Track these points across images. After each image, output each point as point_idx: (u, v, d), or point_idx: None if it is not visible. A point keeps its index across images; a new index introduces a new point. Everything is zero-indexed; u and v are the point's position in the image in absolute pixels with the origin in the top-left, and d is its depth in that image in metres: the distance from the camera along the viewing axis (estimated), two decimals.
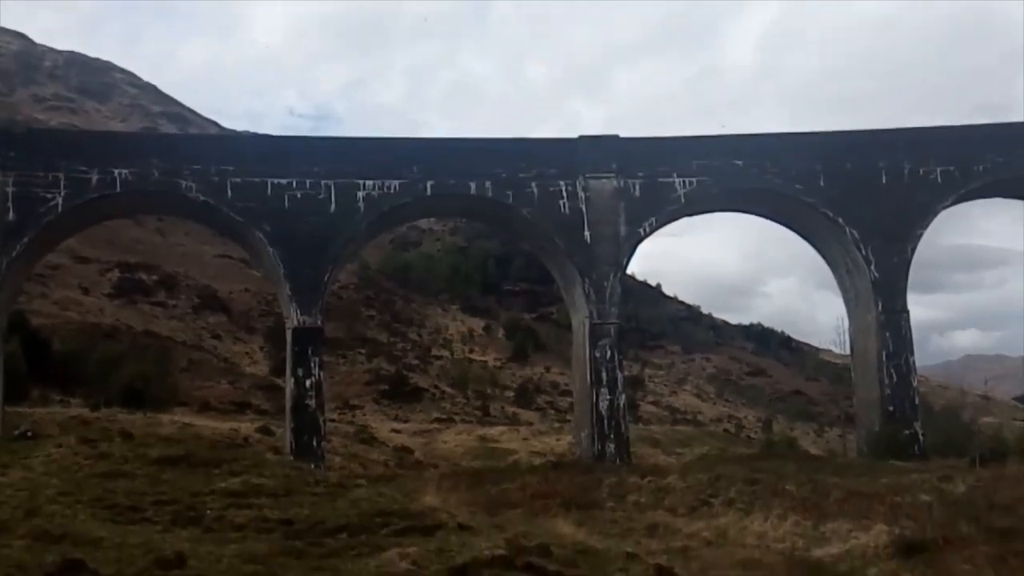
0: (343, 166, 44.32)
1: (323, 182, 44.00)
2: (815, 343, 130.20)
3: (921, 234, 46.00)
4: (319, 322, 43.41)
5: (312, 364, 42.66)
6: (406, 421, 75.00)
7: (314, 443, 41.59)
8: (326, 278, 43.87)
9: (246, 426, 54.49)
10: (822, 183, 45.93)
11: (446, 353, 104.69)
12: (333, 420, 60.37)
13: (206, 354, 79.98)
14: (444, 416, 78.98)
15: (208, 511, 19.40)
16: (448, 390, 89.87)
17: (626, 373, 48.64)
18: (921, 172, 46.07)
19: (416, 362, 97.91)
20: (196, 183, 43.20)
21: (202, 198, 43.30)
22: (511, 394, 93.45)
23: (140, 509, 19.38)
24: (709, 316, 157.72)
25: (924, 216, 45.98)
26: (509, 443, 65.23)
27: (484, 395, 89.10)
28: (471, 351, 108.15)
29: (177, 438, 32.10)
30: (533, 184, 45.03)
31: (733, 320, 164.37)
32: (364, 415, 75.45)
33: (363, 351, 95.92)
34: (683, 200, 45.55)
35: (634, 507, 31.51)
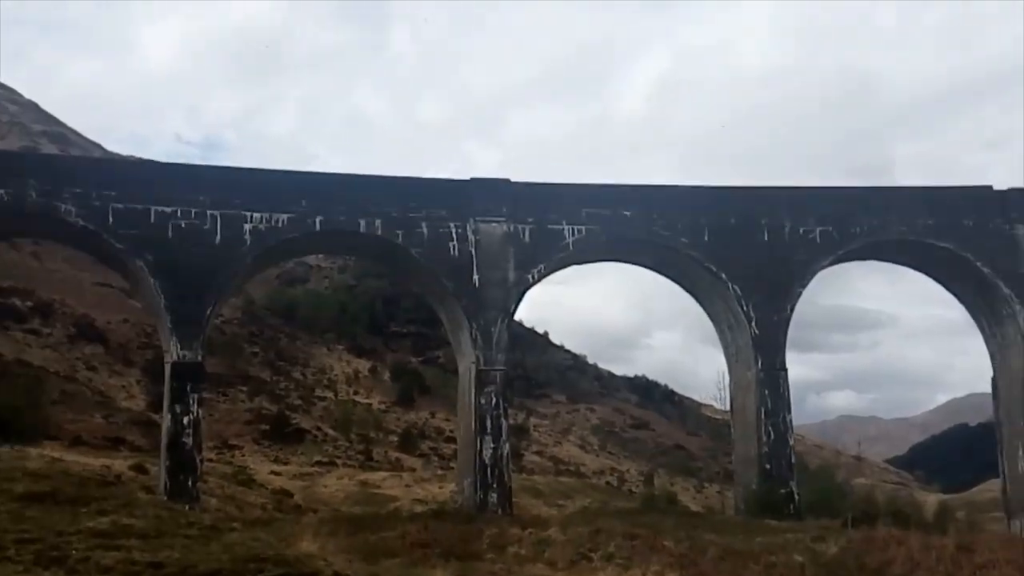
0: (230, 197, 43.35)
1: (209, 212, 42.95)
2: (697, 397, 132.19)
3: (800, 293, 46.92)
4: (200, 357, 42.14)
5: (191, 400, 41.30)
6: (287, 463, 73.35)
7: (189, 483, 40.15)
8: (209, 312, 42.69)
9: (119, 463, 52.42)
10: (707, 237, 46.59)
11: (330, 394, 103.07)
12: (211, 460, 58.65)
13: (80, 386, 77.10)
14: (326, 459, 77.49)
15: (73, 551, 18.54)
16: (331, 432, 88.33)
17: (511, 421, 48.44)
18: (801, 231, 47.11)
19: (299, 402, 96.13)
20: (76, 207, 41.71)
21: (82, 223, 41.82)
22: (395, 439, 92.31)
23: (1, 548, 18.37)
24: (595, 366, 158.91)
25: (803, 275, 46.93)
26: (391, 489, 64.28)
27: (368, 439, 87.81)
28: (356, 393, 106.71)
29: (44, 473, 30.77)
30: (423, 224, 44.71)
31: (618, 371, 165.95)
32: (243, 455, 73.56)
33: (245, 389, 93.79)
34: (571, 248, 45.71)
35: (514, 559, 31.21)
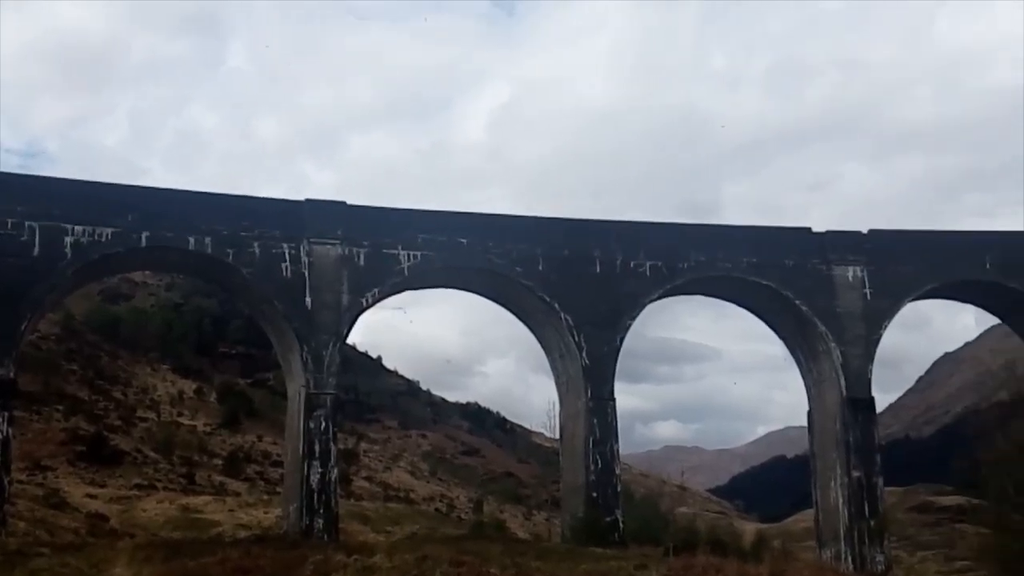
0: (50, 208, 41.51)
1: (27, 223, 41.02)
2: (528, 425, 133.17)
3: (630, 324, 47.93)
4: (11, 374, 40.07)
5: (0, 419, 39.26)
6: (103, 486, 70.45)
7: None
8: (23, 327, 40.72)
9: None
10: (541, 267, 47.14)
11: (152, 415, 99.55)
12: (20, 481, 55.84)
13: None
14: (146, 482, 74.79)
15: None
16: (152, 454, 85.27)
17: (341, 446, 47.74)
18: (632, 264, 48.17)
19: (119, 423, 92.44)
20: None
21: None
22: (220, 462, 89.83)
23: None
24: (428, 392, 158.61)
25: (633, 307, 47.96)
26: (214, 514, 62.54)
27: (191, 462, 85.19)
28: (180, 414, 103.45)
29: None
30: (255, 244, 43.83)
31: (451, 398, 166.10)
32: (57, 477, 70.21)
33: (60, 408, 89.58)
34: (407, 273, 45.56)
35: None
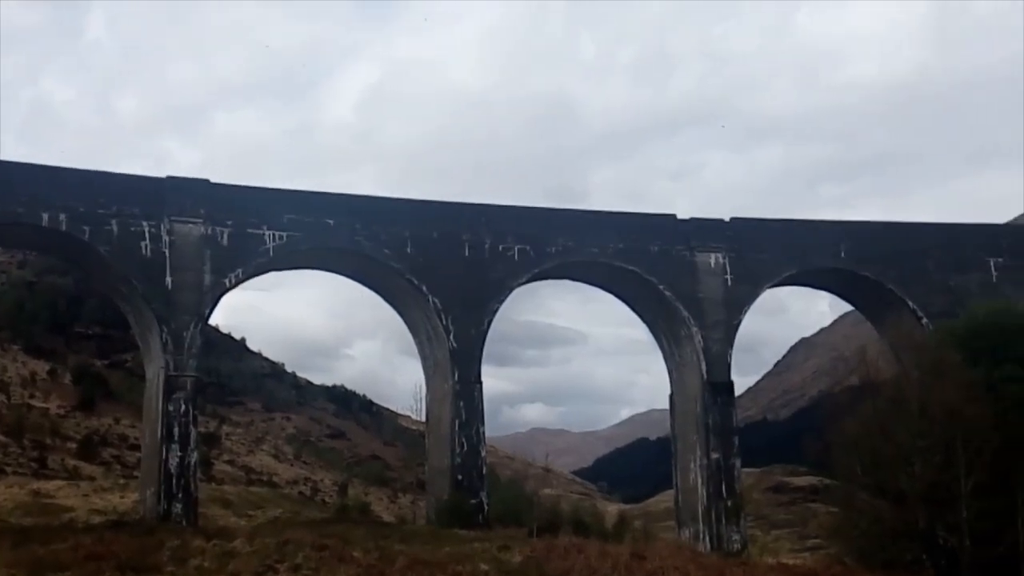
0: None
1: None
2: (395, 408, 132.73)
3: (497, 308, 48.14)
4: None
5: None
6: None
7: None
8: None
9: None
10: (409, 250, 46.93)
11: (2, 397, 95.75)
12: None
13: None
14: None
15: None
16: (1, 438, 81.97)
17: (201, 429, 46.70)
18: (500, 248, 48.34)
19: None
20: None
21: None
22: (74, 446, 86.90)
23: None
24: (293, 375, 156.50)
25: (501, 291, 48.17)
26: (67, 499, 60.31)
27: (43, 445, 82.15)
28: (31, 396, 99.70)
29: None
30: (113, 222, 42.48)
31: (316, 380, 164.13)
32: None
33: None
34: (272, 254, 44.80)
35: (196, 572, 30.18)
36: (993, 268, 52.24)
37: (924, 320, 50.40)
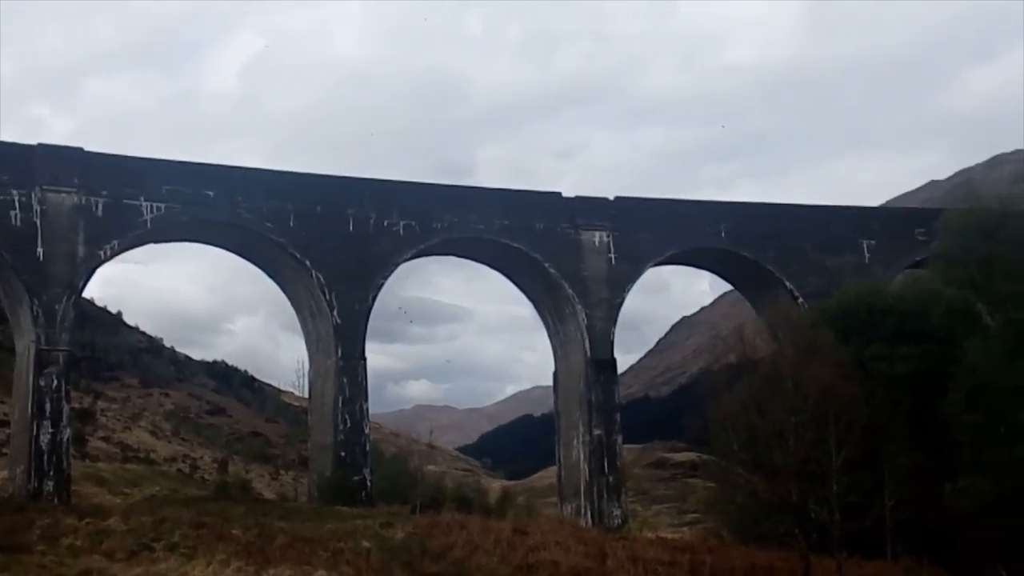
0: None
1: None
2: (277, 384, 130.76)
3: (383, 284, 47.83)
4: None
5: None
6: None
7: None
8: None
9: None
10: (292, 224, 46.26)
11: None
12: None
13: None
14: None
15: None
16: None
17: (75, 405, 45.42)
18: (385, 223, 47.98)
19: None
20: None
21: None
22: None
23: None
24: (171, 350, 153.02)
25: (386, 266, 47.86)
26: None
27: None
28: None
29: None
30: None
31: (196, 355, 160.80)
32: None
33: None
34: (149, 225, 43.66)
35: (68, 551, 29.37)
36: (866, 250, 53.90)
37: (800, 300, 51.76)
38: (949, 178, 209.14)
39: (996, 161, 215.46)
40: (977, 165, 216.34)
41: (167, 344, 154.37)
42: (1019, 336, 40.94)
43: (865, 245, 53.94)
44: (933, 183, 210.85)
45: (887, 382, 41.01)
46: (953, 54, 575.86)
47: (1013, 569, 37.02)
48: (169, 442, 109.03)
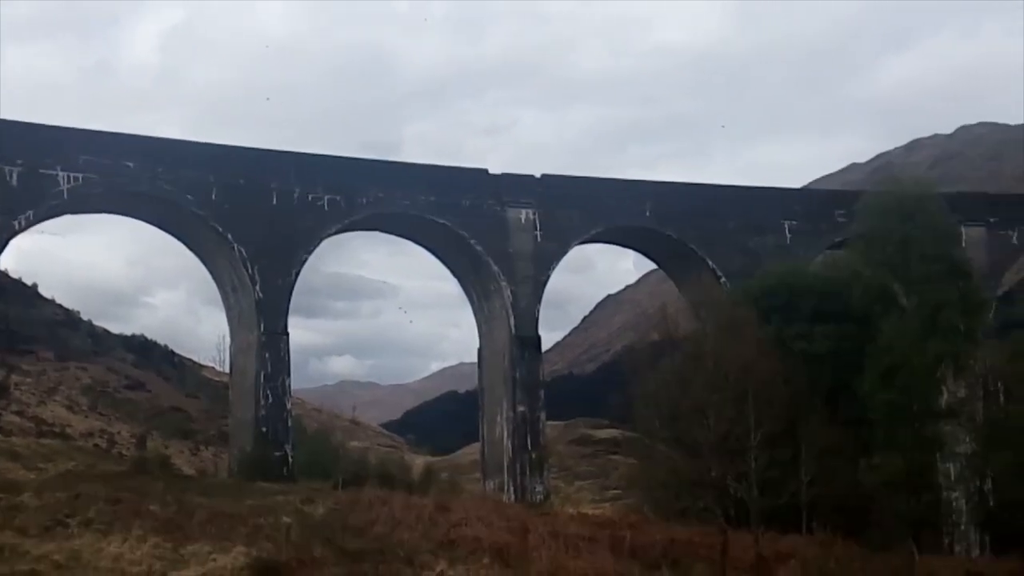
0: None
1: None
2: (198, 359, 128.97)
3: (306, 259, 47.41)
4: None
5: None
6: None
7: None
8: None
9: None
10: (214, 197, 45.58)
11: None
12: None
13: None
14: None
15: None
16: None
17: None
18: (310, 198, 47.48)
19: None
20: None
21: None
22: None
23: None
24: (89, 323, 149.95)
25: (310, 241, 47.43)
26: None
27: None
28: None
29: None
30: None
31: (115, 329, 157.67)
32: None
33: None
34: (66, 196, 42.70)
35: None
36: (787, 230, 54.63)
37: (723, 279, 52.34)
38: (869, 161, 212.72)
39: (914, 145, 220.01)
40: (896, 149, 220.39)
41: (84, 317, 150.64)
42: (932, 316, 42.01)
43: (787, 226, 54.66)
44: (853, 166, 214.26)
45: (806, 360, 41.82)
46: (873, 41, 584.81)
47: (923, 542, 38.13)
48: (86, 417, 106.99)
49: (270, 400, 45.06)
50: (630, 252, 60.84)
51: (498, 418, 50.68)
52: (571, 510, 43.41)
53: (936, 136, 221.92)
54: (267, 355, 45.47)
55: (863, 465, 42.86)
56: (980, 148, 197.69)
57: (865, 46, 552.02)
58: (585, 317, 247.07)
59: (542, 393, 50.49)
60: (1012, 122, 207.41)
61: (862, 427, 41.60)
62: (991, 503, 41.73)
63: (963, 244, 48.74)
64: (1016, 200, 67.76)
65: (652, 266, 65.90)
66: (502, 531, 30.49)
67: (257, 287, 45.70)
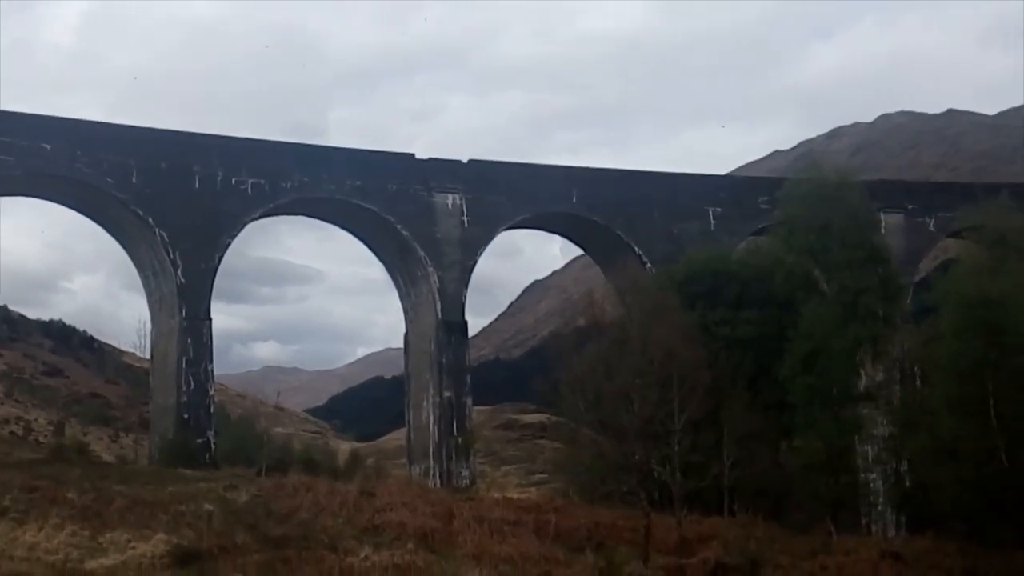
0: None
1: None
2: (118, 345, 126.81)
3: (229, 243, 46.81)
4: None
5: None
6: None
7: None
8: None
9: None
10: (135, 180, 44.78)
11: None
12: None
13: None
14: None
15: None
16: None
17: None
18: (234, 181, 46.86)
19: None
20: None
21: None
22: None
23: None
24: (4, 308, 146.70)
25: (233, 225, 46.84)
26: None
27: None
28: None
29: None
30: None
31: (32, 315, 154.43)
32: None
33: None
34: None
35: None
36: (712, 217, 55.20)
37: (648, 265, 52.75)
38: (793, 148, 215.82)
39: (836, 133, 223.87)
40: (819, 137, 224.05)
41: (0, 303, 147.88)
42: (852, 302, 42.76)
43: (711, 212, 55.22)
44: (777, 153, 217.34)
45: (729, 345, 42.35)
46: (798, 30, 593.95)
47: (841, 522, 38.91)
48: (1, 404, 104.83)
49: (192, 386, 44.45)
50: (557, 238, 61.09)
51: (424, 403, 50.57)
52: (497, 494, 43.52)
53: (858, 124, 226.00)
54: (189, 340, 44.84)
55: (784, 448, 43.68)
56: (900, 137, 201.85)
57: (790, 35, 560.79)
58: (512, 303, 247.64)
59: (468, 378, 50.51)
60: (931, 111, 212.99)
61: (783, 411, 42.27)
62: (907, 484, 42.65)
63: (882, 231, 49.64)
64: (933, 188, 69.57)
65: (579, 252, 66.21)
66: (427, 516, 30.46)
67: (179, 272, 45.01)
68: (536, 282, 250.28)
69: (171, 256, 44.93)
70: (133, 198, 44.63)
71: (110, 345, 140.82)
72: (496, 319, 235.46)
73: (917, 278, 56.50)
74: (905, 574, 31.30)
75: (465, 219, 51.04)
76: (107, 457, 66.98)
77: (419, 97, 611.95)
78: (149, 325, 48.54)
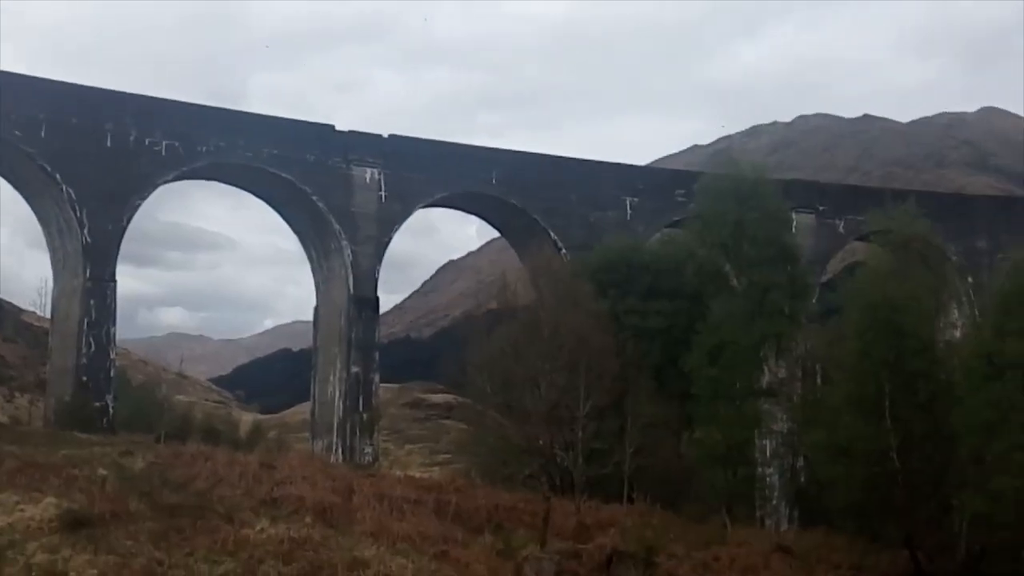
0: None
1: None
2: (18, 303, 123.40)
3: (139, 204, 45.85)
4: None
5: None
6: None
7: None
8: None
9: None
10: (43, 134, 43.52)
11: None
12: None
13: None
14: None
15: None
16: None
17: None
18: (147, 142, 45.84)
19: None
20: None
21: None
22: None
23: None
24: None
25: (144, 187, 45.90)
26: None
27: None
28: None
29: None
30: None
31: None
32: None
33: None
34: None
35: None
36: (628, 206, 55.63)
37: (563, 251, 52.99)
38: (711, 143, 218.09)
39: (754, 131, 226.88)
40: (738, 133, 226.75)
41: None
42: (760, 298, 43.47)
43: (628, 202, 55.64)
44: (696, 147, 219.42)
45: (638, 335, 42.77)
46: (724, 26, 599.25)
47: (736, 514, 39.60)
48: None
49: (92, 348, 43.49)
50: (474, 218, 61.05)
51: (331, 378, 50.19)
52: (399, 473, 43.39)
53: (776, 124, 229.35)
54: (92, 301, 43.85)
55: (685, 439, 44.27)
56: (816, 139, 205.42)
57: (717, 30, 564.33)
58: (425, 281, 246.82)
59: (377, 355, 50.28)
60: (847, 115, 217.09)
61: (687, 402, 42.85)
62: (802, 479, 43.56)
63: (793, 230, 50.48)
64: (845, 190, 71.10)
65: (495, 233, 66.19)
66: (327, 491, 30.16)
67: (85, 231, 43.95)
68: (451, 262, 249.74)
69: (78, 214, 43.83)
70: (40, 152, 43.39)
71: (9, 303, 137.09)
72: (408, 297, 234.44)
73: (824, 278, 57.67)
74: (795, 567, 31.96)
75: (383, 194, 50.68)
76: (0, 417, 65.25)
77: (345, 69, 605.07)
78: (51, 284, 47.33)
